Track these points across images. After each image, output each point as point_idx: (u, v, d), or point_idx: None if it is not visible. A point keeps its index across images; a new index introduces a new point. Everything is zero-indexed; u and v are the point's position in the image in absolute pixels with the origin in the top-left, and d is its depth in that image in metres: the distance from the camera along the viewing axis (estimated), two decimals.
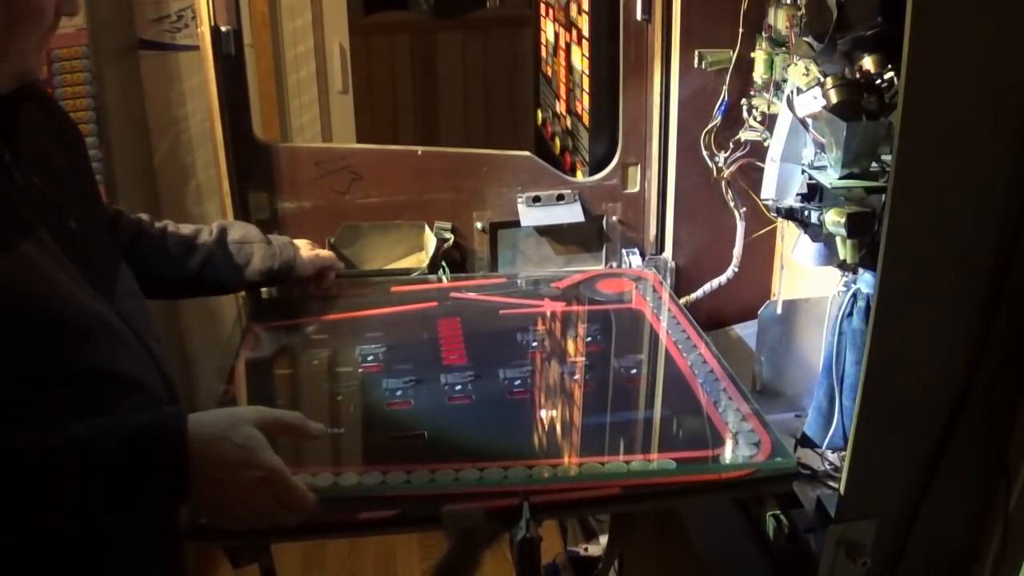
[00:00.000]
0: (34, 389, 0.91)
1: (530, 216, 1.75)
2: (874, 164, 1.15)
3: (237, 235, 1.45)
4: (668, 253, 1.78)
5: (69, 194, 1.07)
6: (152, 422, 0.92)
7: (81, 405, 0.92)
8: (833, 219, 1.14)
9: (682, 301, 1.69)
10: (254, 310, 1.57)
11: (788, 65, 1.38)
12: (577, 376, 1.33)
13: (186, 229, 1.42)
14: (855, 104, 1.13)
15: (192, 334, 2.56)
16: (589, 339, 1.44)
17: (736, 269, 1.67)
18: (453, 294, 1.62)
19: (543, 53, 2.49)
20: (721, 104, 1.59)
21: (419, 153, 1.75)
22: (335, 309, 1.58)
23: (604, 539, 2.05)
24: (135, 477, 0.90)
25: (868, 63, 1.11)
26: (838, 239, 1.17)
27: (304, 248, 1.55)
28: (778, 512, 1.15)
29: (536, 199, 1.76)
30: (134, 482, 0.90)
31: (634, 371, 1.34)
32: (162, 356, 1.09)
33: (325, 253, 1.60)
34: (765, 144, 1.46)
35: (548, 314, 1.55)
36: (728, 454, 1.12)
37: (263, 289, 1.59)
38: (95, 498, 0.89)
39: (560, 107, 2.24)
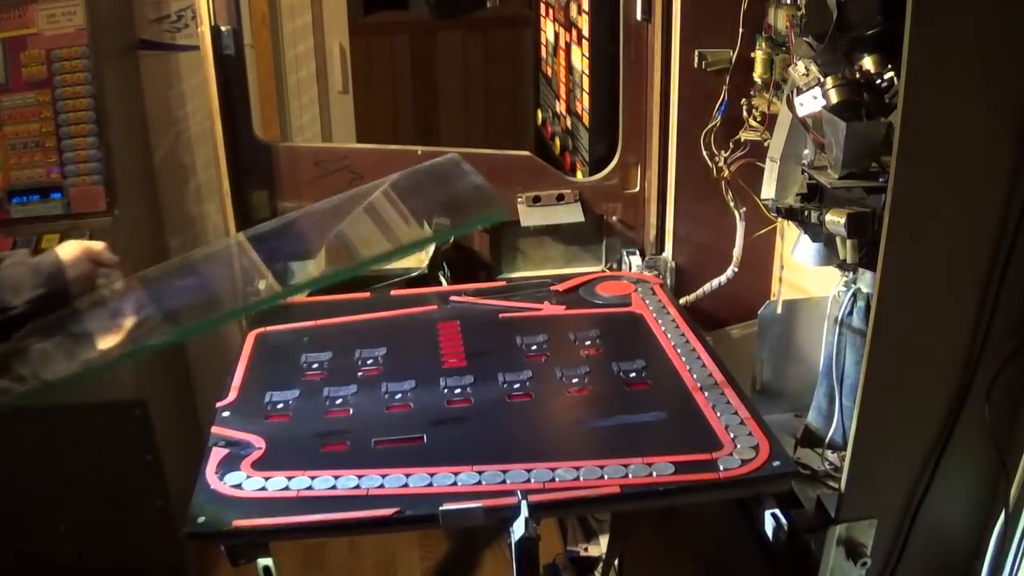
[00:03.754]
0: None
1: (530, 216, 1.75)
2: (874, 164, 1.15)
3: (8, 261, 1.35)
4: (668, 253, 1.78)
5: None
6: None
7: None
8: (833, 219, 1.14)
9: (682, 301, 1.69)
10: (254, 315, 1.56)
11: (788, 65, 1.38)
12: (576, 380, 1.32)
13: None
14: (855, 104, 1.13)
15: (191, 338, 2.55)
16: (588, 343, 1.43)
17: (736, 269, 1.67)
18: (453, 298, 1.61)
19: (543, 53, 2.49)
20: (721, 104, 1.59)
21: (419, 153, 1.75)
22: (335, 313, 1.58)
23: (604, 539, 2.06)
24: None
25: (868, 63, 1.11)
26: (838, 239, 1.17)
27: (66, 248, 1.37)
28: (776, 511, 1.15)
29: (536, 199, 1.76)
30: None
31: (633, 375, 1.34)
32: None
33: (97, 245, 1.40)
34: (765, 144, 1.46)
35: (547, 318, 1.54)
36: (726, 457, 1.12)
37: None
38: None
39: (560, 107, 2.24)
